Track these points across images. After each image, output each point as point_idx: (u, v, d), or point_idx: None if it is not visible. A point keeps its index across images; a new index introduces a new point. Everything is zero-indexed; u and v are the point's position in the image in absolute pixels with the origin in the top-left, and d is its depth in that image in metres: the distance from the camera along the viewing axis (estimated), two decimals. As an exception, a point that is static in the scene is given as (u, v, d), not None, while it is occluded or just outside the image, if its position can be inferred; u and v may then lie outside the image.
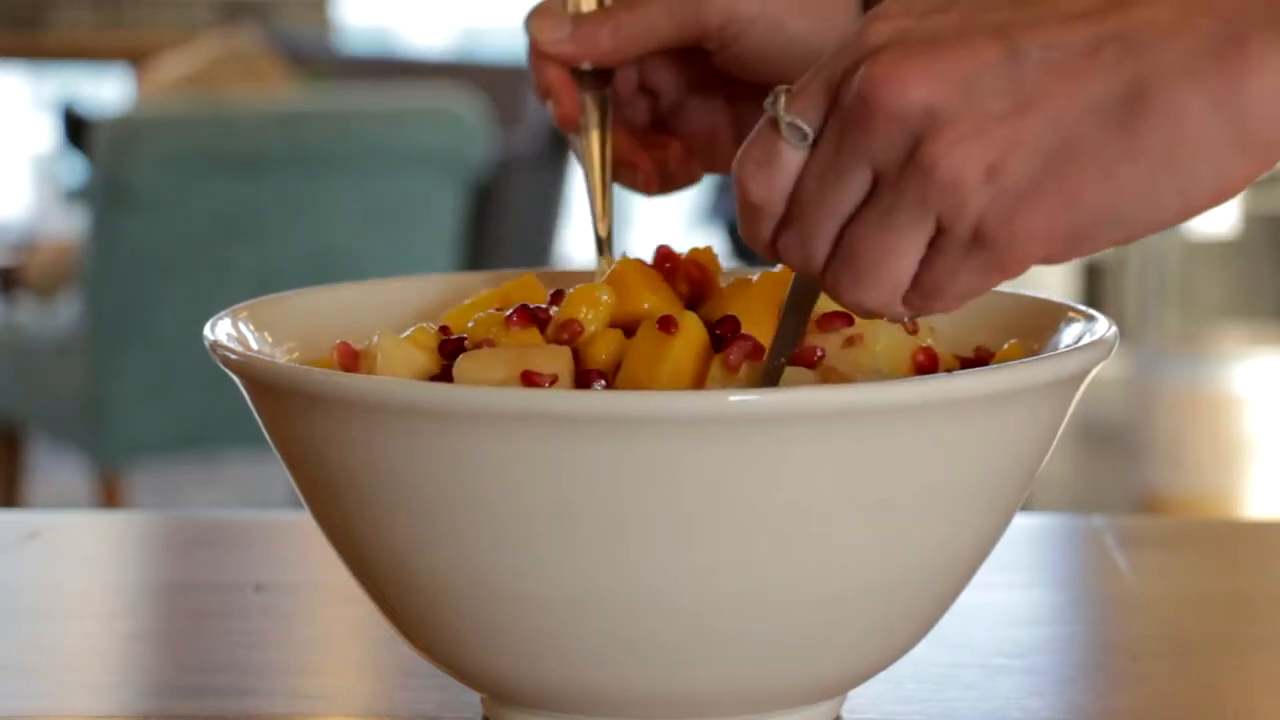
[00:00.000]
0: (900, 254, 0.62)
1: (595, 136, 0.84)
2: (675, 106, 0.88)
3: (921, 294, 0.63)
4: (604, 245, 0.83)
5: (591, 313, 0.72)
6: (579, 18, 0.83)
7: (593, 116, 0.84)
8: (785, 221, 0.63)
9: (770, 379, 0.68)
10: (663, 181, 0.88)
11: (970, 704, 0.77)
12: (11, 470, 3.63)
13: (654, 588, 0.64)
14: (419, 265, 3.16)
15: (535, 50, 0.84)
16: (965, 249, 0.61)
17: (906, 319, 0.68)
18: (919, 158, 0.60)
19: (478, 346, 0.71)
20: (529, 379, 0.67)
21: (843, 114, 0.61)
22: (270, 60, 3.79)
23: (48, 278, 3.58)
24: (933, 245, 0.61)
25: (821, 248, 0.63)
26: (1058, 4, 0.61)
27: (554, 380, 0.68)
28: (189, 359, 3.04)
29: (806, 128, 0.62)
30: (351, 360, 0.72)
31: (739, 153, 0.64)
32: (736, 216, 0.64)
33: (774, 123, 0.62)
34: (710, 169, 0.88)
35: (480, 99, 3.46)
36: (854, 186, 0.62)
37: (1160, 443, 3.99)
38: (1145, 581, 0.94)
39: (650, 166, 0.87)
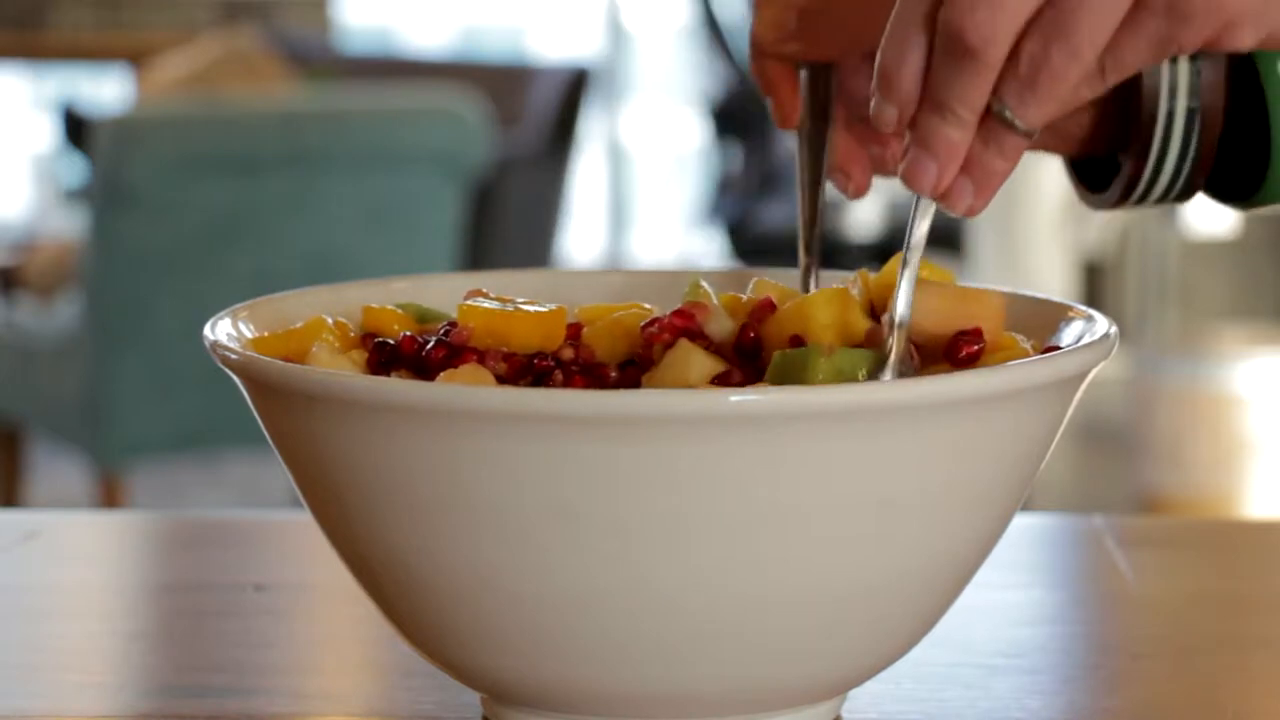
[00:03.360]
0: (1112, 22, 0.65)
1: (808, 136, 0.83)
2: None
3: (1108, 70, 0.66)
4: (808, 248, 0.81)
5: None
6: (805, 12, 0.82)
7: (806, 116, 0.82)
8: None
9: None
10: (876, 174, 0.85)
11: (970, 704, 0.77)
12: (11, 470, 3.63)
13: (654, 588, 0.64)
14: (419, 265, 3.16)
15: (756, 47, 0.83)
16: (1156, 16, 0.65)
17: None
18: None
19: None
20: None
21: None
22: (270, 60, 3.79)
23: (48, 278, 3.57)
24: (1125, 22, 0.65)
25: (1012, 15, 0.65)
26: None
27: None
28: (189, 359, 3.04)
29: None
30: None
31: None
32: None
33: None
34: None
35: (480, 99, 3.46)
36: None
37: (1160, 443, 3.99)
38: (1145, 581, 0.94)
39: (862, 173, 0.84)
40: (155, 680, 0.83)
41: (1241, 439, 4.09)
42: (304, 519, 0.73)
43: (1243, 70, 0.82)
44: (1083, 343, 0.70)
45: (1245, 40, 0.66)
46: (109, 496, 3.21)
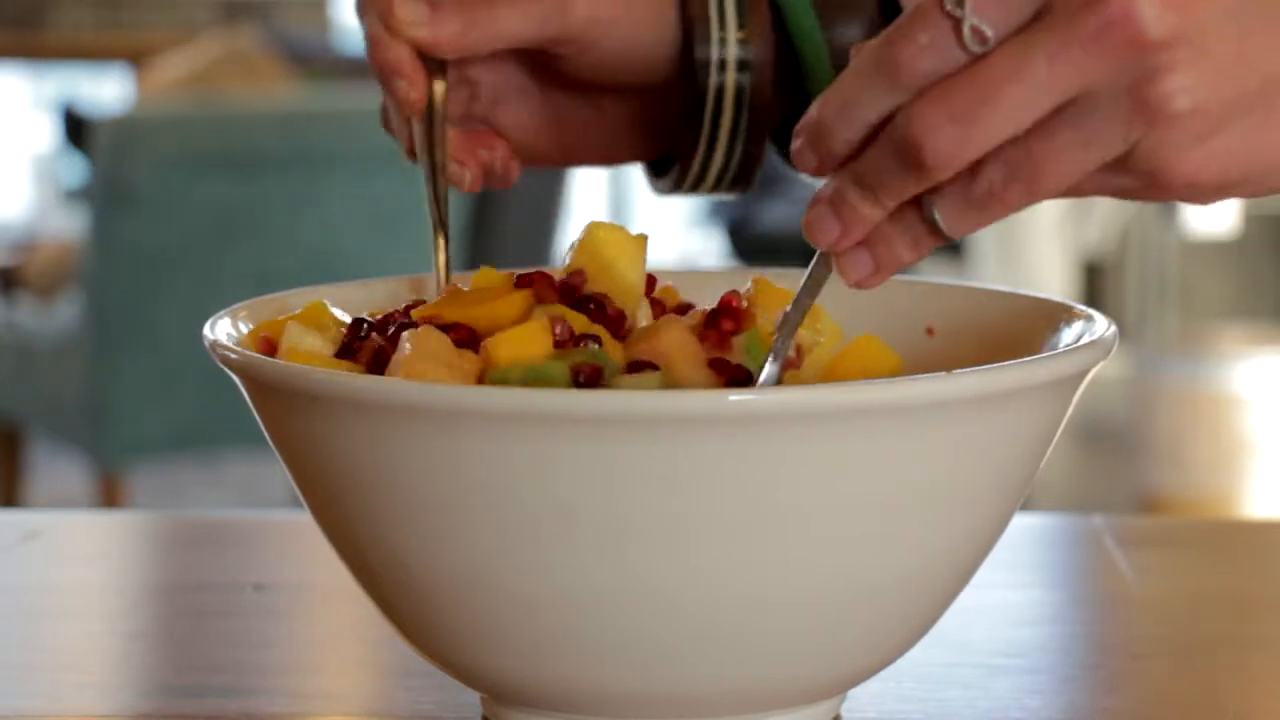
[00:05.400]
0: (1080, 175, 0.61)
1: (437, 123, 0.81)
2: (492, 102, 0.85)
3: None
4: (442, 227, 0.81)
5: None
6: (435, 2, 0.80)
7: (435, 103, 0.81)
8: (925, 110, 0.61)
9: (779, 358, 0.69)
10: (486, 180, 0.85)
11: (970, 704, 0.77)
12: (11, 470, 3.63)
13: (654, 588, 0.64)
14: (419, 265, 3.15)
15: (387, 28, 0.80)
16: (1117, 169, 0.62)
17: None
18: (1149, 95, 0.60)
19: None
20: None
21: (1064, 30, 0.59)
22: (270, 60, 3.79)
23: (48, 278, 3.58)
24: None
25: (980, 147, 0.61)
26: None
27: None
28: (189, 359, 3.04)
29: (989, 32, 0.60)
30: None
31: (890, 30, 0.61)
32: (829, 98, 0.62)
33: (950, 19, 0.60)
34: (528, 164, 0.86)
35: (480, 99, 3.45)
36: (1053, 101, 0.60)
37: (1160, 443, 3.99)
38: (1145, 581, 0.94)
39: (477, 166, 0.84)
40: (155, 680, 0.83)
41: (1241, 439, 4.09)
42: (304, 519, 0.73)
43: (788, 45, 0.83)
44: (1083, 343, 0.70)
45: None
46: (109, 496, 3.21)
